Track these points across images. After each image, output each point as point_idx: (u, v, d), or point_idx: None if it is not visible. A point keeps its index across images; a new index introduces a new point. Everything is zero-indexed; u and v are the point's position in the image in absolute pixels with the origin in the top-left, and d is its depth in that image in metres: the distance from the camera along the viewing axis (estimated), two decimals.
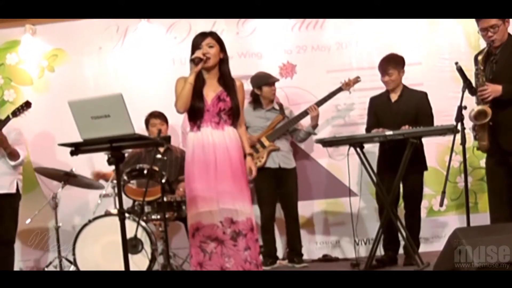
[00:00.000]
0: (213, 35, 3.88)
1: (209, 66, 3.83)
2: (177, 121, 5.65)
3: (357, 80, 5.41)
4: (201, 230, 3.76)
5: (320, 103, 5.39)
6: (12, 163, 4.92)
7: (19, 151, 4.93)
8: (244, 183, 3.84)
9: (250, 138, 5.31)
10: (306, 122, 5.47)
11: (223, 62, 3.88)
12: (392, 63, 4.92)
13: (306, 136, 5.48)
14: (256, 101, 5.46)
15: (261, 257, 4.15)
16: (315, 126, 5.40)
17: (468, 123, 4.15)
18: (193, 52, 3.83)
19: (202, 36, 3.86)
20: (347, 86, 5.41)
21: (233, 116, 3.85)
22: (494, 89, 4.03)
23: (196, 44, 3.84)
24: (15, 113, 4.84)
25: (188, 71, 3.81)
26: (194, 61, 3.77)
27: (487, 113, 4.03)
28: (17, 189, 5.00)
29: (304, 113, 5.39)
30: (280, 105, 5.51)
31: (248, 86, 5.78)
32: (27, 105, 4.90)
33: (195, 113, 3.82)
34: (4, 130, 4.81)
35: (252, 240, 3.78)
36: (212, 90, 3.84)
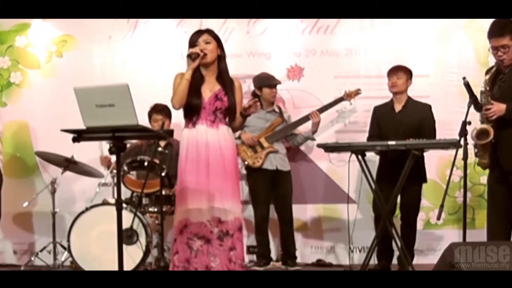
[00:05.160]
0: (209, 32, 3.86)
1: (207, 62, 3.81)
2: (181, 116, 5.62)
3: (357, 92, 5.43)
4: (189, 227, 3.76)
5: (321, 110, 5.40)
6: None
7: None
8: (236, 183, 3.84)
9: (252, 138, 5.33)
10: (303, 126, 5.48)
11: (221, 59, 3.87)
12: (403, 69, 5.04)
13: (304, 141, 5.51)
14: None
15: (247, 257, 4.13)
16: (314, 131, 5.42)
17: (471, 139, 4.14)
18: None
19: (198, 33, 3.85)
20: (348, 96, 5.44)
21: (229, 115, 3.85)
22: (498, 108, 4.04)
23: (193, 41, 3.82)
24: None
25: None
26: (191, 57, 3.75)
27: (489, 132, 4.03)
28: None
29: (306, 118, 5.39)
30: (279, 108, 5.52)
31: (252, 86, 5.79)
32: None
33: (192, 110, 3.82)
34: None
35: (238, 240, 3.78)
36: (209, 88, 3.83)
